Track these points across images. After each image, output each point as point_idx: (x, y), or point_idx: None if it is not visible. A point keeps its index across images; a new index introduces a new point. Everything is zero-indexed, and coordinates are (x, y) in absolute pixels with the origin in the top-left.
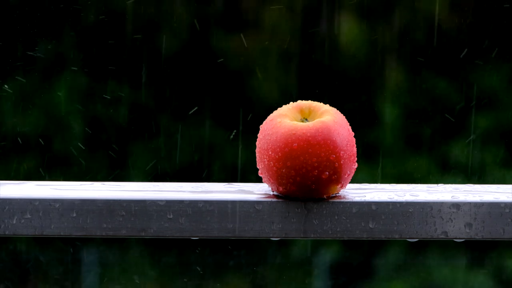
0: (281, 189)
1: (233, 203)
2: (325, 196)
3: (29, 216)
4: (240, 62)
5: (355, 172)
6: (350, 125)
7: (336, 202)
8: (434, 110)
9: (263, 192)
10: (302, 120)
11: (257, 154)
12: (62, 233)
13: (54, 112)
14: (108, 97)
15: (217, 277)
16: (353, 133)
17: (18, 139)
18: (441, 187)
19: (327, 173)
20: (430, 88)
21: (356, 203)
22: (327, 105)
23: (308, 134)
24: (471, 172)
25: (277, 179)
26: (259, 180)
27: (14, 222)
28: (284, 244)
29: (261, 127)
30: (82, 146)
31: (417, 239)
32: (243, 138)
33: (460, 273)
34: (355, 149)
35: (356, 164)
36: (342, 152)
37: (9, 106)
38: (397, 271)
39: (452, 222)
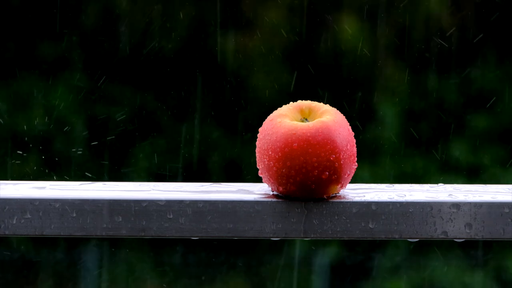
0: (281, 189)
1: (233, 203)
2: (325, 196)
3: (29, 216)
4: (240, 61)
5: (355, 171)
6: (350, 125)
7: (336, 202)
8: (434, 110)
9: (263, 192)
10: (302, 120)
11: (257, 154)
12: (62, 233)
13: (54, 112)
14: (109, 98)
15: (217, 277)
16: (353, 133)
17: (18, 139)
18: (441, 187)
19: (327, 173)
20: (430, 88)
21: (356, 203)
22: (327, 105)
23: (308, 134)
24: (471, 172)
25: (277, 179)
26: (259, 180)
27: (14, 222)
28: (284, 244)
29: (261, 127)
30: (82, 146)
31: (417, 239)
32: (243, 138)
33: (460, 273)
34: (355, 149)
35: (356, 164)
36: (342, 152)
37: (9, 106)
38: (397, 271)
39: (452, 222)
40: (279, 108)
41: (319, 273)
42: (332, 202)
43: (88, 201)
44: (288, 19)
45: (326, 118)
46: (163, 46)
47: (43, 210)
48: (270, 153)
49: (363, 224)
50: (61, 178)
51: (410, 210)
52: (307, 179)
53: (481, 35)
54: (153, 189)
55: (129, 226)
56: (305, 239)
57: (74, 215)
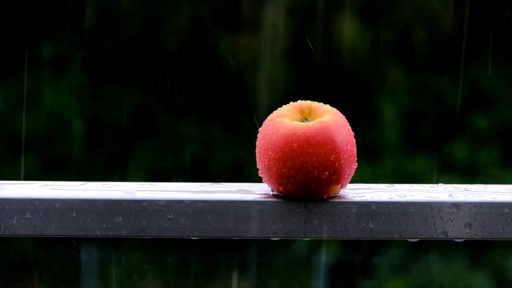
0: (281, 189)
1: (233, 203)
2: (325, 196)
3: (29, 216)
4: (240, 61)
5: (355, 171)
6: (350, 125)
7: (336, 202)
8: (434, 109)
9: (263, 192)
10: (302, 120)
11: (257, 154)
12: (62, 233)
13: (54, 112)
14: (109, 98)
15: (216, 277)
16: (353, 133)
17: (19, 139)
18: (441, 187)
19: (327, 173)
20: (430, 87)
21: (356, 203)
22: (327, 105)
23: (308, 134)
24: (471, 172)
25: (277, 179)
26: (259, 180)
27: (14, 222)
28: (284, 244)
29: (261, 127)
30: (82, 146)
31: (417, 239)
32: (243, 138)
33: (460, 273)
34: (355, 149)
35: (356, 164)
36: (342, 152)
37: (10, 106)
38: (397, 271)
39: (452, 222)
40: (279, 108)
41: (319, 273)
42: (332, 202)
43: (88, 201)
44: (289, 19)
45: (326, 118)
46: (163, 46)
47: (43, 210)
48: (270, 153)
49: (363, 224)
50: (61, 178)
51: (410, 210)
52: (307, 179)
53: (481, 35)
54: (153, 189)
55: (129, 226)
56: (305, 239)
57: (74, 215)
